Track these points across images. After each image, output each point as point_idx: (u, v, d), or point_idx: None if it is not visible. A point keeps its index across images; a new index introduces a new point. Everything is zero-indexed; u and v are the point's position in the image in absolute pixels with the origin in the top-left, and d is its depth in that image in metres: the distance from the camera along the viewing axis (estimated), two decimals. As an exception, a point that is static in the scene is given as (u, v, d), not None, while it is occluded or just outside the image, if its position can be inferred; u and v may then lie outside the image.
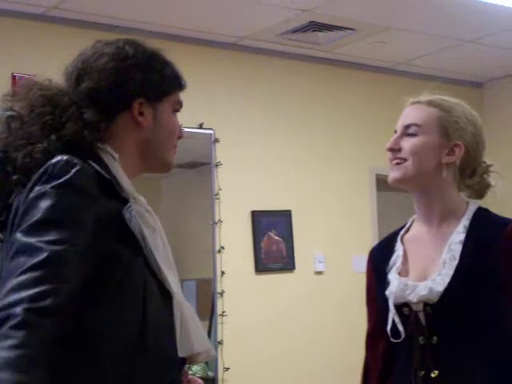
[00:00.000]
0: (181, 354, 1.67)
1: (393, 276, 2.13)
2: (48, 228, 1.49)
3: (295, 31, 5.21)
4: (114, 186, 1.62)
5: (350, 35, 5.32)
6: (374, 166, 5.81)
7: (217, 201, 5.22)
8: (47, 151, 1.59)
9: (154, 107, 1.73)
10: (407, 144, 2.12)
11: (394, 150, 2.12)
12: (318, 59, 5.74)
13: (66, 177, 1.53)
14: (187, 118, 5.39)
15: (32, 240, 1.48)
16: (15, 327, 1.39)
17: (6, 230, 1.61)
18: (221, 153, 5.27)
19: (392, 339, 2.09)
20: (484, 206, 2.15)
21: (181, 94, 1.82)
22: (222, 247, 5.18)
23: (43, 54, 4.52)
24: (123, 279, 1.57)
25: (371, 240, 5.71)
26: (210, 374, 5.08)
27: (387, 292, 2.11)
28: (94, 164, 1.60)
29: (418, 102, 2.16)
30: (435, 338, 2.03)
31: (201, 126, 5.19)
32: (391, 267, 2.16)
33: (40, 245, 1.47)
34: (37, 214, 1.50)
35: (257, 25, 5.12)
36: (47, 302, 1.43)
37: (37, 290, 1.43)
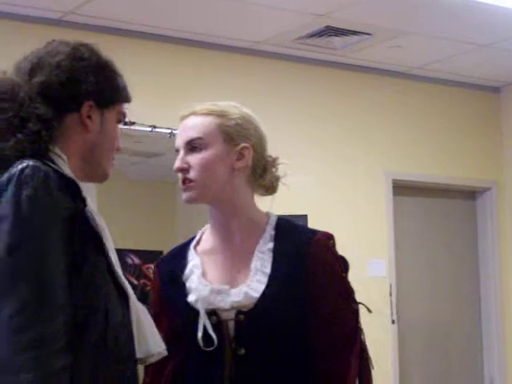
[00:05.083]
0: (138, 354, 1.66)
1: (197, 282, 1.99)
2: (26, 249, 1.50)
3: (311, 36, 5.21)
4: (78, 186, 1.61)
5: (366, 40, 5.31)
6: (390, 171, 5.79)
7: (232, 205, 5.21)
8: (16, 150, 1.59)
9: (101, 113, 1.73)
10: (195, 161, 2.00)
11: (184, 169, 2.00)
12: (334, 64, 5.74)
13: (36, 185, 1.53)
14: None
15: (14, 262, 1.48)
16: None
17: None
18: (237, 157, 5.26)
19: (204, 348, 1.92)
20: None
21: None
22: (238, 252, 5.16)
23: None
24: (90, 279, 1.57)
25: (387, 244, 5.69)
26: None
27: (191, 298, 1.98)
28: (53, 165, 1.59)
29: (193, 114, 2.04)
30: (243, 349, 1.91)
31: (217, 131, 5.19)
32: (188, 276, 2.02)
33: (24, 271, 1.48)
34: (13, 233, 1.50)
35: (273, 30, 5.12)
36: (51, 346, 1.47)
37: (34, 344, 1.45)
